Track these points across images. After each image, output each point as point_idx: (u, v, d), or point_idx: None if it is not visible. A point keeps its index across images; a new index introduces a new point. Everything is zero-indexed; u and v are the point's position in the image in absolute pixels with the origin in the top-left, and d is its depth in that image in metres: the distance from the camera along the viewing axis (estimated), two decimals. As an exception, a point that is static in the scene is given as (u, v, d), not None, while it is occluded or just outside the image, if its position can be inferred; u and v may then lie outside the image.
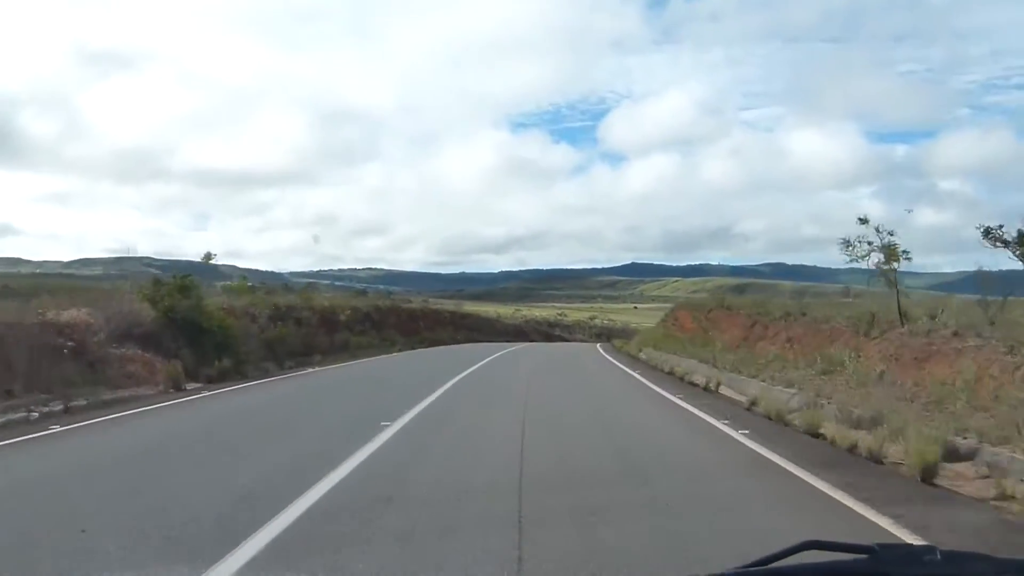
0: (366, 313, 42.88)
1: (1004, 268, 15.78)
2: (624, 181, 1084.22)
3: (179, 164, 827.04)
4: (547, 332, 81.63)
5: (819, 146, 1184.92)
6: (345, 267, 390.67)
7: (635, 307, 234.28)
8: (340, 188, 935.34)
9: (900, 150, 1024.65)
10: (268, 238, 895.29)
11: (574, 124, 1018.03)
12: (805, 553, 1.65)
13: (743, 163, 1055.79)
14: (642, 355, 33.80)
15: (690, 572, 5.07)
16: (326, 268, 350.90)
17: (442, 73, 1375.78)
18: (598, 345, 51.26)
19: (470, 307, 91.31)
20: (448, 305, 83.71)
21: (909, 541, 5.76)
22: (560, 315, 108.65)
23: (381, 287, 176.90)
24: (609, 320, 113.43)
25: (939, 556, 1.59)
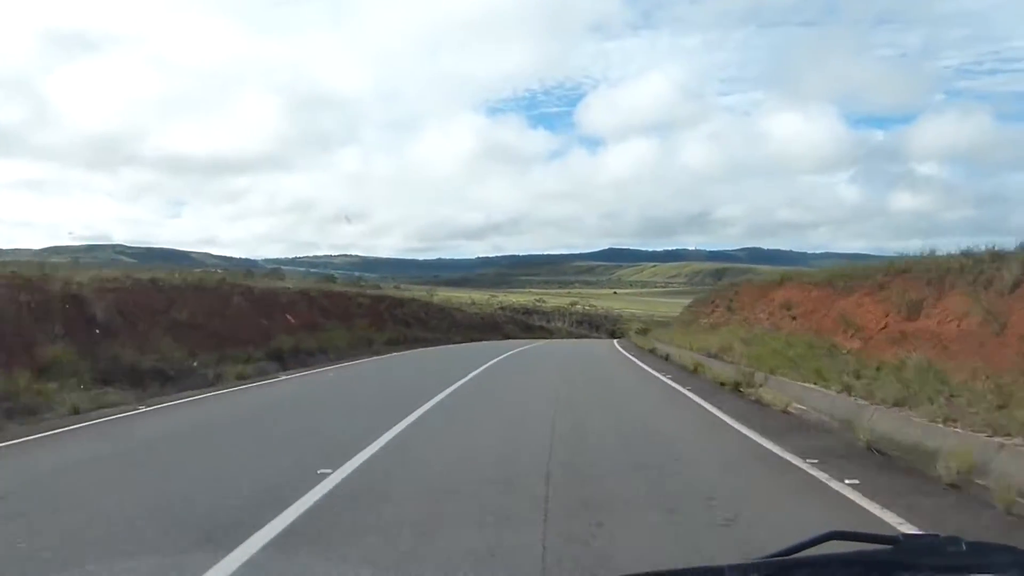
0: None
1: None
2: (602, 166, 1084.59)
3: (152, 150, 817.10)
4: (524, 322, 68.80)
5: (796, 131, 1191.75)
6: (320, 254, 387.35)
7: (615, 292, 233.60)
8: (316, 174, 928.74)
9: (878, 135, 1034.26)
10: (243, 225, 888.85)
11: (551, 109, 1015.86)
12: (828, 544, 1.63)
13: (721, 148, 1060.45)
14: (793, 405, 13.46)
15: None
16: (301, 255, 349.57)
17: (419, 57, 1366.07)
18: (628, 353, 31.04)
19: (444, 294, 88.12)
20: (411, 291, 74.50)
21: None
22: (538, 301, 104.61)
23: (356, 274, 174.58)
24: (591, 306, 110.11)
25: (964, 547, 1.57)
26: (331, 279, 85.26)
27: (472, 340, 43.72)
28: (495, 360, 24.96)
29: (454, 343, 39.34)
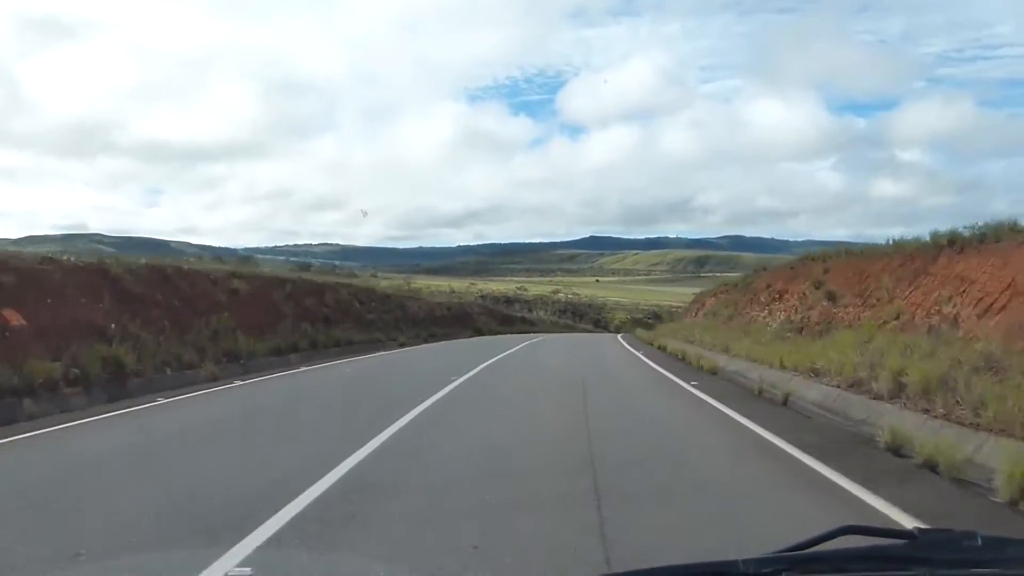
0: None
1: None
2: (583, 154, 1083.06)
3: (129, 138, 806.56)
4: (503, 314, 60.76)
5: (778, 118, 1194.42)
6: (300, 242, 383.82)
7: (597, 280, 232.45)
8: (295, 161, 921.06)
9: (859, 122, 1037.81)
10: (222, 213, 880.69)
11: (532, 96, 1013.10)
12: (844, 538, 1.62)
13: (702, 135, 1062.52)
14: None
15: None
16: (281, 244, 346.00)
17: (397, 43, 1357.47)
18: (662, 368, 21.11)
19: (423, 282, 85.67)
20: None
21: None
22: (520, 289, 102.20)
23: (337, 263, 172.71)
24: (574, 294, 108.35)
25: (979, 541, 1.55)
26: (305, 268, 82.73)
27: (431, 339, 35.91)
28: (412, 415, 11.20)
29: (399, 346, 30.22)
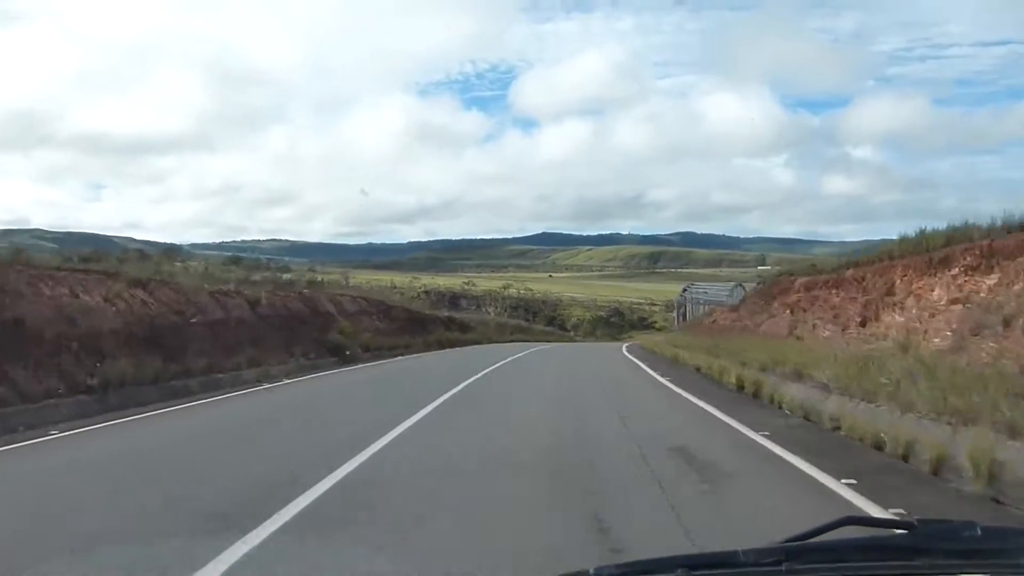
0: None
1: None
2: (536, 150, 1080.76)
3: (69, 129, 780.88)
4: (447, 319, 45.03)
5: (731, 114, 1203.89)
6: (249, 238, 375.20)
7: (550, 276, 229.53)
8: (243, 155, 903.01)
9: (812, 119, 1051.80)
10: (168, 208, 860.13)
11: (485, 92, 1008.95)
12: (844, 529, 1.64)
13: (655, 132, 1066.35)
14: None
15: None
16: (229, 239, 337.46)
17: (348, 35, 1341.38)
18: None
19: (365, 276, 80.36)
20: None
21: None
22: (468, 284, 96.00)
23: (286, 259, 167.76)
24: (527, 290, 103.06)
25: (979, 531, 1.57)
26: (234, 263, 76.87)
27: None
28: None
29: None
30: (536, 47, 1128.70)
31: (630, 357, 28.86)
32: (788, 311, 19.64)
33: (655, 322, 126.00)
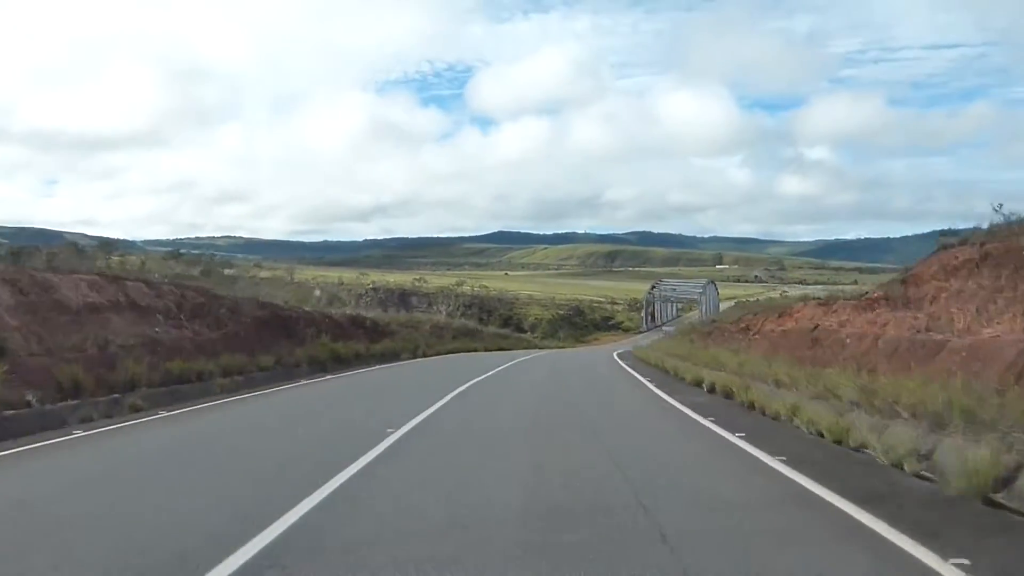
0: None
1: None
2: (493, 148, 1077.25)
3: (21, 125, 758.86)
4: (350, 320, 33.35)
5: (687, 115, 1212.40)
6: (204, 235, 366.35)
7: (506, 274, 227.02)
8: (198, 151, 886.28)
9: (768, 119, 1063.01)
10: (122, 204, 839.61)
11: (443, 90, 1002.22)
12: None
13: (612, 131, 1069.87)
14: None
15: None
16: (184, 236, 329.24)
17: (304, 30, 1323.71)
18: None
19: (312, 272, 77.30)
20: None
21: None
22: (419, 281, 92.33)
23: (240, 256, 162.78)
24: (482, 287, 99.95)
25: None
26: (174, 257, 72.98)
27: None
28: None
29: None
30: (494, 47, 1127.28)
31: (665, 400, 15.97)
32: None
33: (621, 322, 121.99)
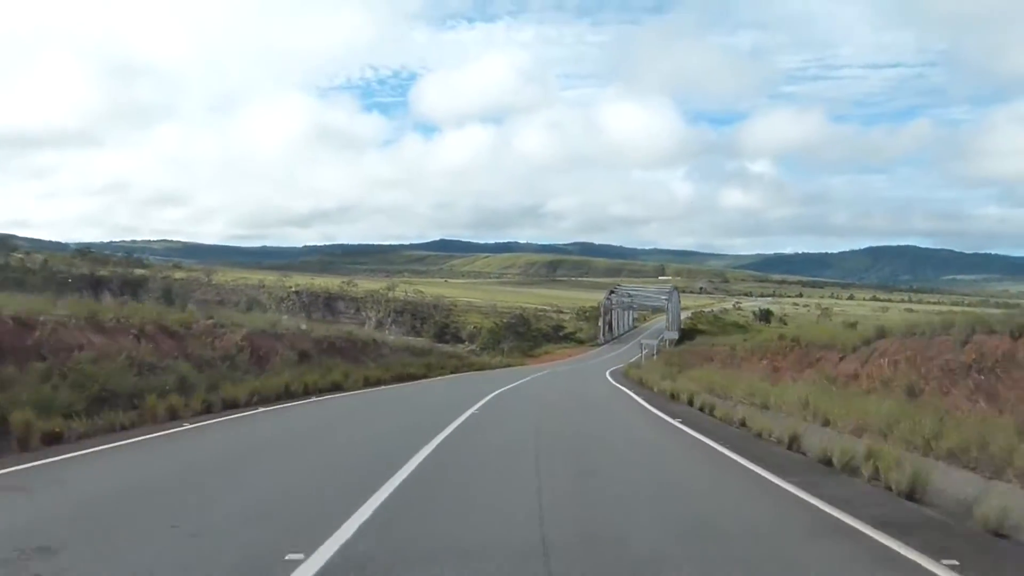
0: None
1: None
2: (436, 155, 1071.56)
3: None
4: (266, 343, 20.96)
5: (631, 127, 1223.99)
6: (140, 239, 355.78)
7: (446, 281, 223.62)
8: (134, 152, 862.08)
9: (711, 133, 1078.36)
10: (56, 206, 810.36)
11: (386, 96, 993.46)
12: None
13: (556, 141, 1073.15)
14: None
15: None
16: (119, 239, 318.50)
17: (244, 29, 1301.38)
18: None
19: (231, 275, 72.47)
20: None
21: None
22: (347, 285, 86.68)
23: (174, 260, 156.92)
24: (417, 292, 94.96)
25: None
26: (101, 261, 68.41)
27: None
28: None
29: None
30: (438, 54, 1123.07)
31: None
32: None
33: (572, 332, 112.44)
